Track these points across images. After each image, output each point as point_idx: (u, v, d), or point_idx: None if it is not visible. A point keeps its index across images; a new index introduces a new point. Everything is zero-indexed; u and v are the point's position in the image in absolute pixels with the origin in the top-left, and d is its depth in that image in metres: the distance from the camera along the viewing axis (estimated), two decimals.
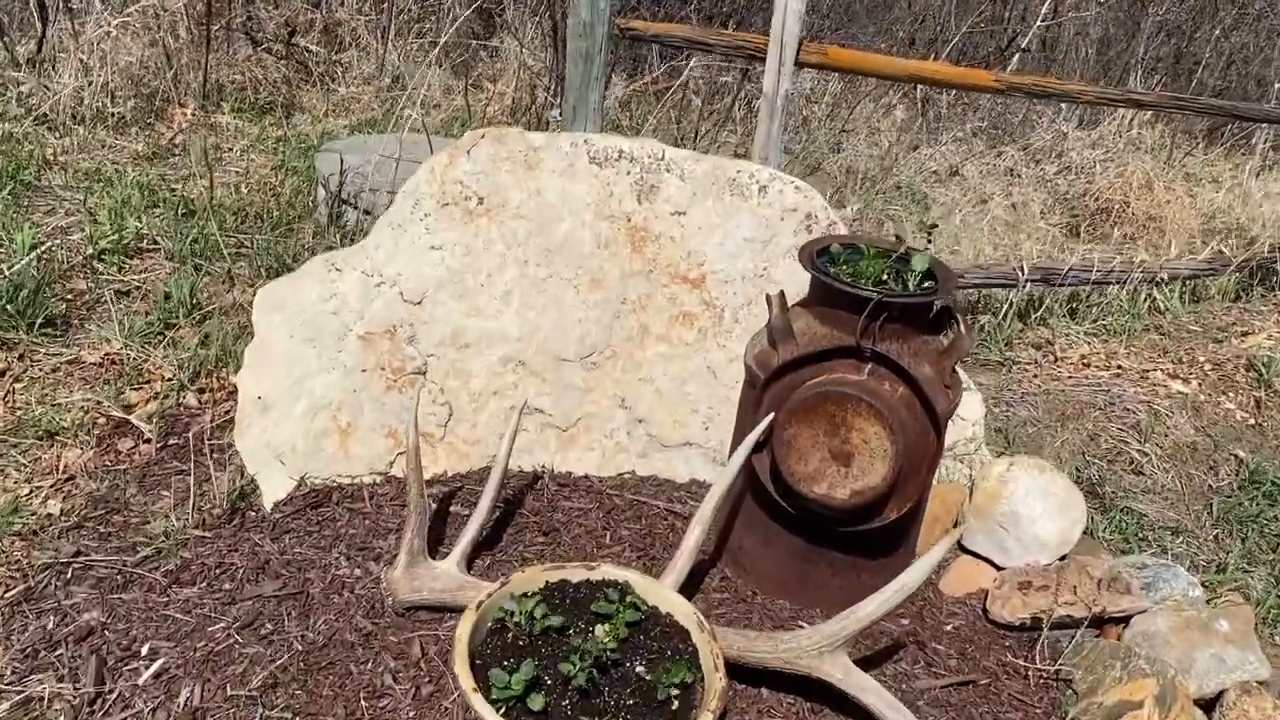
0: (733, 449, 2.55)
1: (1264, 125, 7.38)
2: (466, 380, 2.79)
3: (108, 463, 2.73)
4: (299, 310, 2.68)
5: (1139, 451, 3.35)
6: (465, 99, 5.25)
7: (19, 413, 2.86)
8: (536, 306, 2.82)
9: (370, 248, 2.76)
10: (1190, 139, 7.80)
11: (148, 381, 3.03)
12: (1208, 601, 2.58)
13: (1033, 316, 4.25)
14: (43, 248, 3.53)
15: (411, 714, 2.00)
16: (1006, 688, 2.28)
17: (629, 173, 2.86)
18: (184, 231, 3.83)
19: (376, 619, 2.24)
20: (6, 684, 2.03)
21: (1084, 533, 2.68)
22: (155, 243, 3.85)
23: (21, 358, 3.09)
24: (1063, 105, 7.02)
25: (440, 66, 6.22)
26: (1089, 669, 2.27)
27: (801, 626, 2.38)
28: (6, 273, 3.33)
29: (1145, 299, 4.48)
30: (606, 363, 2.87)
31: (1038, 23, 7.36)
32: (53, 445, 2.76)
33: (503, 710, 1.81)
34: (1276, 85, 8.41)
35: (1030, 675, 2.32)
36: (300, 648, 2.15)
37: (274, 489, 2.61)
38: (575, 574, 2.14)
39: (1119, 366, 3.89)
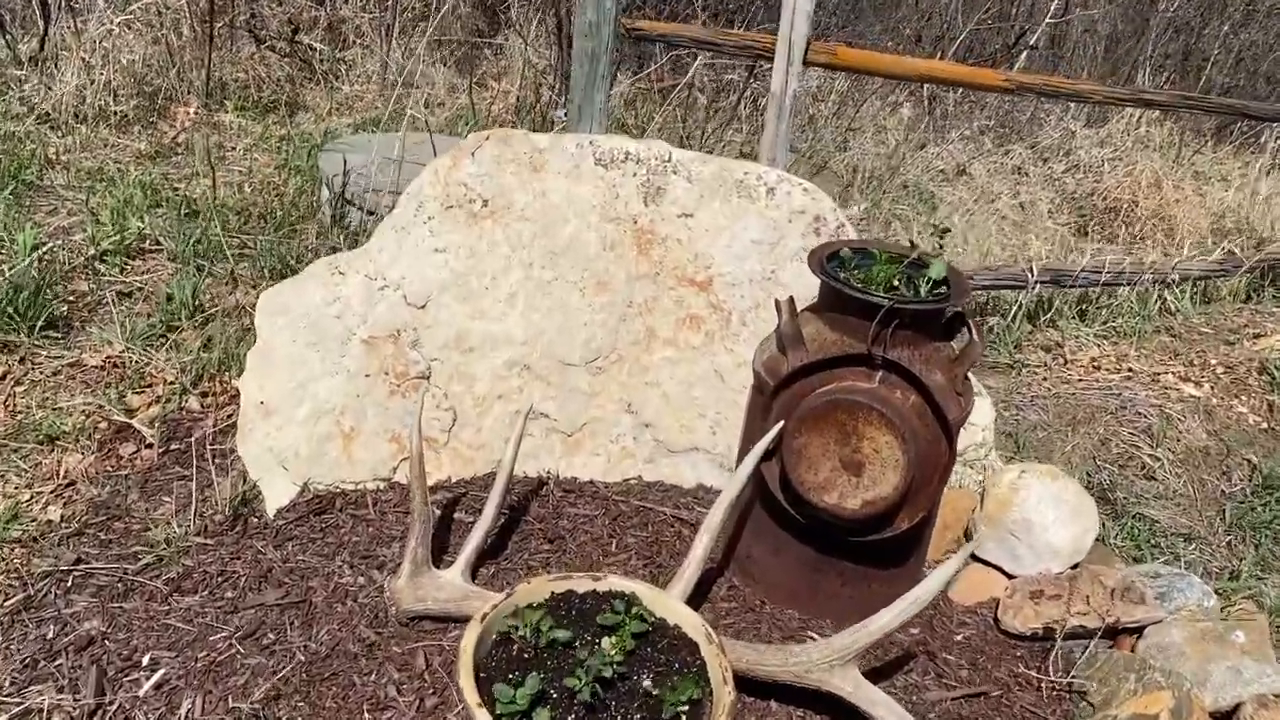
0: (740, 456, 2.52)
1: (1274, 124, 7.33)
2: (471, 384, 2.76)
3: (109, 468, 2.70)
4: (302, 314, 2.65)
5: (1150, 456, 3.31)
6: (470, 97, 5.22)
7: (19, 417, 2.83)
8: (541, 309, 2.79)
9: (374, 250, 2.72)
10: (1199, 137, 7.75)
11: (149, 385, 3.00)
12: (1222, 610, 2.54)
13: (1042, 318, 4.21)
14: (44, 248, 3.50)
15: None
16: (1019, 700, 2.25)
17: (635, 174, 2.83)
18: (187, 232, 3.80)
19: (380, 629, 2.21)
20: (6, 695, 2.00)
21: (1096, 540, 2.64)
22: (158, 243, 3.82)
23: (22, 360, 3.06)
24: (1071, 104, 6.97)
25: (444, 64, 6.19)
26: (1103, 681, 2.23)
27: (811, 636, 2.35)
28: (8, 274, 3.31)
29: (1156, 300, 4.43)
30: (612, 366, 2.84)
31: (1046, 20, 7.30)
32: (53, 450, 2.73)
33: None
34: None
35: (1043, 687, 2.29)
36: (303, 658, 2.12)
37: (276, 495, 2.58)
38: (581, 584, 2.11)
39: (1130, 369, 3.85)
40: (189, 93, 5.45)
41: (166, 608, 2.25)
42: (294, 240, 3.91)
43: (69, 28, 5.35)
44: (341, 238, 3.91)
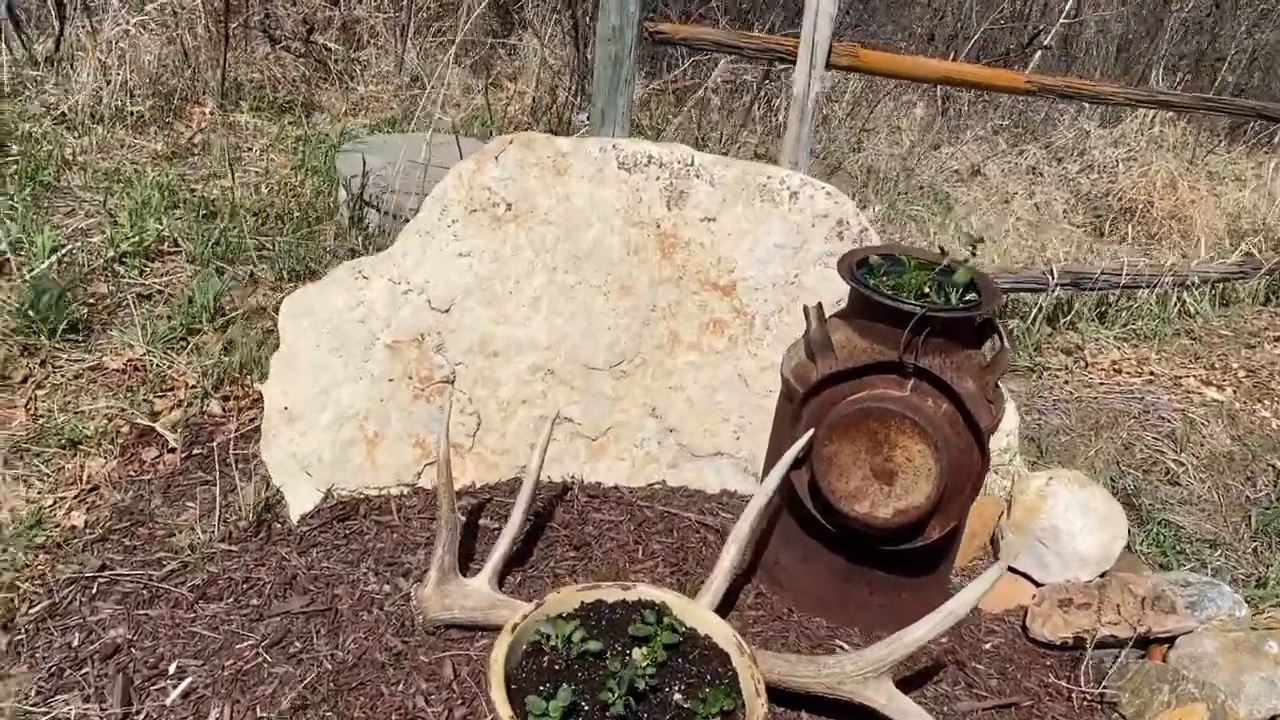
0: (768, 463, 2.50)
1: None
2: (495, 389, 2.74)
3: (132, 472, 2.69)
4: (326, 318, 2.64)
5: (1175, 461, 3.29)
6: (485, 98, 5.20)
7: (41, 420, 2.83)
8: (565, 314, 2.77)
9: (397, 255, 2.71)
10: (1213, 137, 7.71)
11: (171, 389, 3.00)
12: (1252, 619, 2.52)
13: (1062, 321, 4.19)
14: (63, 250, 3.50)
15: None
16: (1050, 710, 2.23)
17: (658, 178, 2.81)
18: (205, 233, 3.79)
19: (407, 638, 2.20)
20: (33, 705, 2.00)
21: (1123, 547, 2.62)
22: (176, 245, 3.81)
23: (43, 363, 3.06)
24: (1085, 104, 6.94)
25: (459, 64, 6.17)
26: (1135, 692, 2.21)
27: (839, 645, 2.34)
28: (28, 276, 3.30)
29: (1175, 303, 4.40)
30: (636, 371, 2.82)
31: (1060, 20, 7.26)
32: (76, 454, 2.72)
33: None
34: None
35: (1074, 698, 2.27)
36: (330, 667, 2.11)
37: (300, 501, 2.57)
38: (611, 594, 2.09)
39: (1151, 373, 3.83)
40: (204, 93, 5.44)
41: (192, 615, 2.25)
42: (312, 242, 3.90)
43: (84, 28, 5.34)
44: (360, 239, 3.90)
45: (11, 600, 2.24)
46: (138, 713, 2.00)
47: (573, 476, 2.79)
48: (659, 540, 2.59)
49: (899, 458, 2.09)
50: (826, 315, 2.30)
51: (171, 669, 2.11)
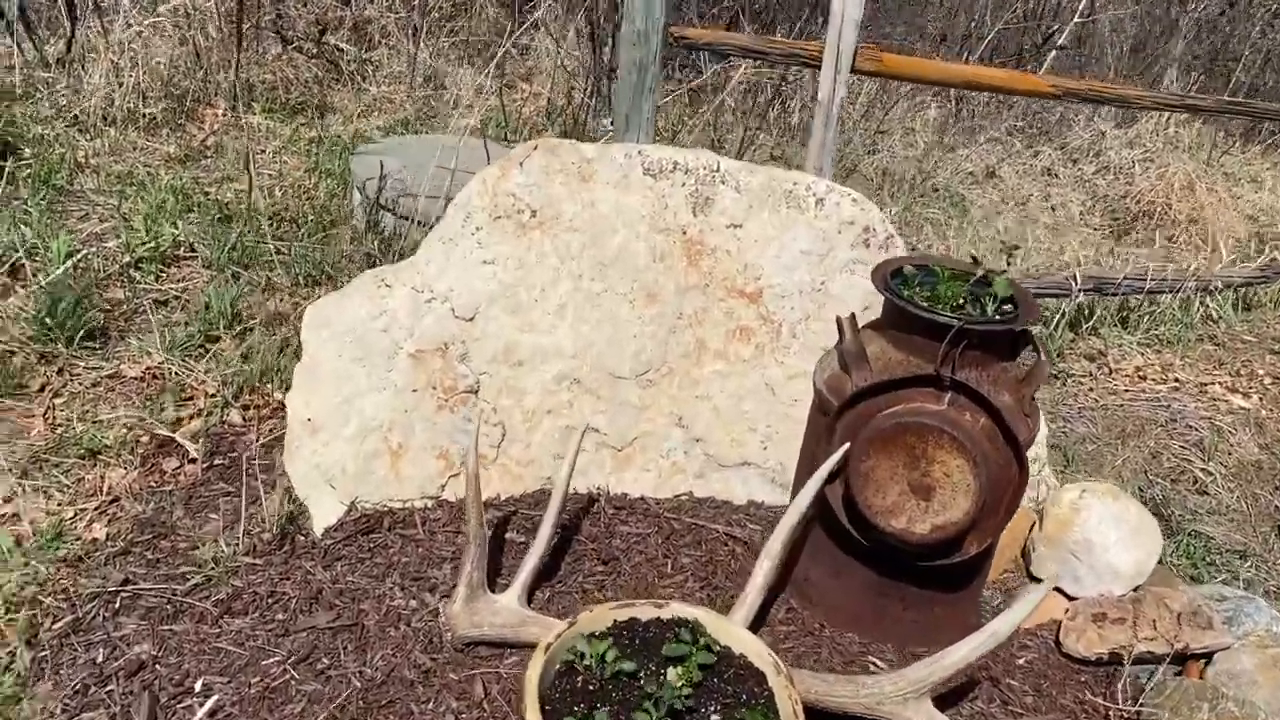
0: (798, 475, 2.47)
1: None
2: (520, 398, 2.71)
3: (152, 483, 2.66)
4: (348, 328, 2.61)
5: (1203, 470, 3.25)
6: (500, 100, 5.16)
7: (60, 430, 2.80)
8: (591, 321, 2.74)
9: (420, 263, 2.68)
10: (1228, 137, 7.66)
11: (190, 397, 2.97)
12: None
13: (1084, 327, 4.15)
14: (78, 256, 3.46)
15: None
16: None
17: (684, 184, 2.78)
18: (221, 238, 3.76)
19: (435, 655, 2.17)
20: None
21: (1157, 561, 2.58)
22: (192, 250, 3.78)
23: (60, 372, 3.03)
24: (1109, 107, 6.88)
25: (470, 65, 6.14)
26: (1175, 710, 2.18)
27: (872, 661, 2.30)
28: (43, 283, 3.27)
29: (1198, 308, 4.36)
30: (662, 380, 2.79)
31: (1074, 20, 7.21)
32: (95, 465, 2.69)
33: None
34: None
35: (1111, 715, 2.23)
36: (359, 684, 2.08)
37: (324, 513, 2.54)
38: (644, 612, 2.06)
39: (1176, 379, 3.79)
40: (216, 94, 5.41)
41: (217, 630, 2.21)
42: (328, 246, 3.87)
43: (95, 29, 5.31)
44: (376, 243, 3.86)
45: (35, 615, 2.21)
46: None
47: (598, 488, 2.76)
48: (687, 553, 2.56)
49: (937, 473, 2.06)
50: (860, 326, 2.26)
51: (197, 686, 2.08)
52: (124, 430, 2.80)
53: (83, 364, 3.06)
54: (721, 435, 2.81)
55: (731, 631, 2.06)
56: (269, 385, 3.01)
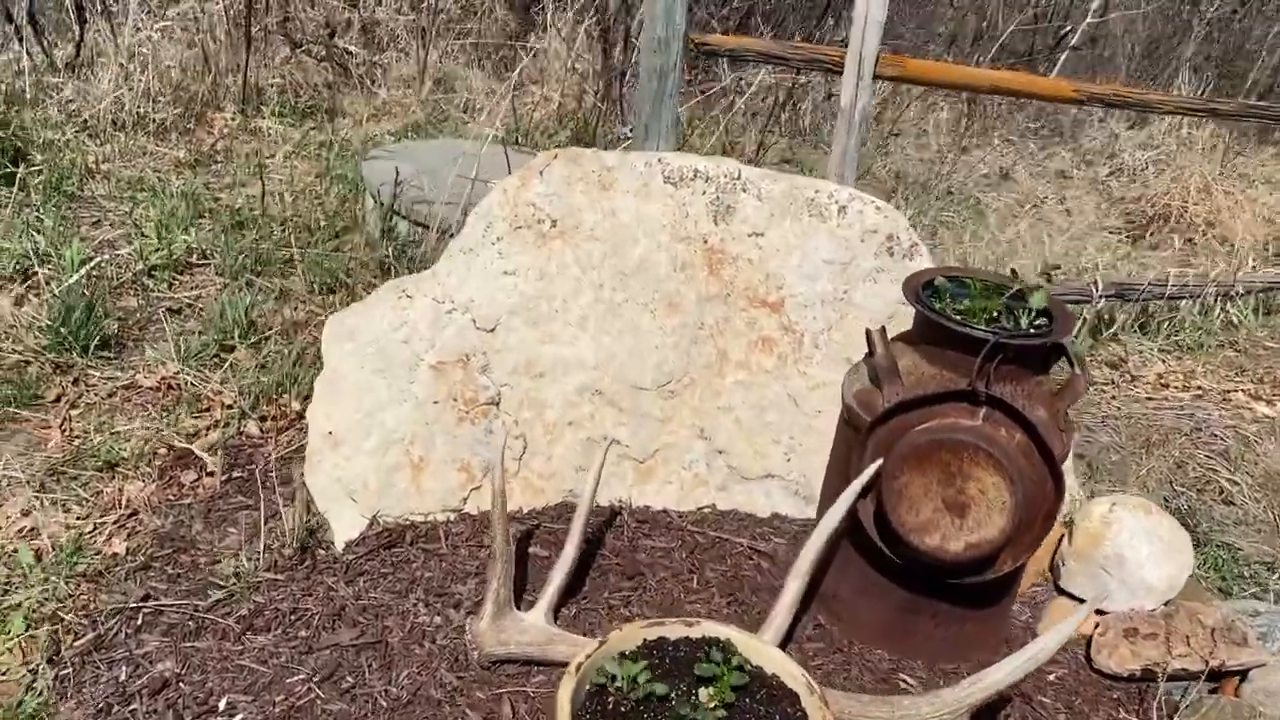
0: (825, 491, 2.44)
1: None
2: (541, 411, 2.68)
3: (171, 496, 2.63)
4: (369, 340, 2.58)
5: (1229, 480, 3.21)
6: (512, 104, 5.13)
7: (77, 442, 2.77)
8: (612, 332, 2.71)
9: (441, 273, 2.65)
10: (1241, 138, 7.60)
11: (207, 408, 2.94)
12: None
13: (1104, 333, 4.11)
14: (91, 263, 3.44)
15: None
16: None
17: (704, 193, 2.75)
18: (234, 245, 3.73)
19: (461, 673, 2.14)
20: None
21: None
22: (205, 257, 3.76)
23: (76, 382, 3.00)
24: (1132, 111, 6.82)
25: (480, 68, 6.11)
26: None
27: (902, 678, 2.27)
28: (57, 291, 3.24)
29: (1219, 313, 4.32)
30: (684, 391, 2.76)
31: (1086, 20, 7.17)
32: (113, 477, 2.67)
33: None
34: None
35: None
36: (385, 704, 2.05)
37: (345, 527, 2.51)
38: (674, 631, 2.03)
39: (1199, 387, 3.75)
40: (225, 98, 5.38)
41: (240, 647, 2.19)
42: (341, 253, 3.84)
43: (104, 33, 5.29)
44: (390, 250, 3.84)
45: (56, 632, 2.18)
46: None
47: (621, 500, 2.73)
48: (712, 568, 2.52)
49: (972, 490, 2.03)
50: (890, 338, 2.23)
51: (222, 705, 2.05)
52: (141, 442, 2.77)
53: (98, 374, 3.04)
54: (744, 447, 2.78)
55: (763, 651, 2.03)
56: (286, 396, 2.98)
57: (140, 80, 4.99)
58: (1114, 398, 3.64)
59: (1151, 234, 5.57)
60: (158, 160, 4.68)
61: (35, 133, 4.55)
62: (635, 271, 2.72)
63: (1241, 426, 3.48)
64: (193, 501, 2.62)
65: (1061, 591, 2.59)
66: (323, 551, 2.47)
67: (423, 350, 2.60)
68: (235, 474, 2.72)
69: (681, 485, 2.77)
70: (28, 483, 2.57)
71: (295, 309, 3.47)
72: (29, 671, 2.07)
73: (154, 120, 4.95)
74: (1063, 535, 2.63)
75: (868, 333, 2.20)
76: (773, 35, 6.03)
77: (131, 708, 2.02)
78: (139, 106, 4.94)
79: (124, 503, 2.58)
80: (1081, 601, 2.55)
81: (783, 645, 2.17)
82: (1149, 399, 3.65)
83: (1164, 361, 3.97)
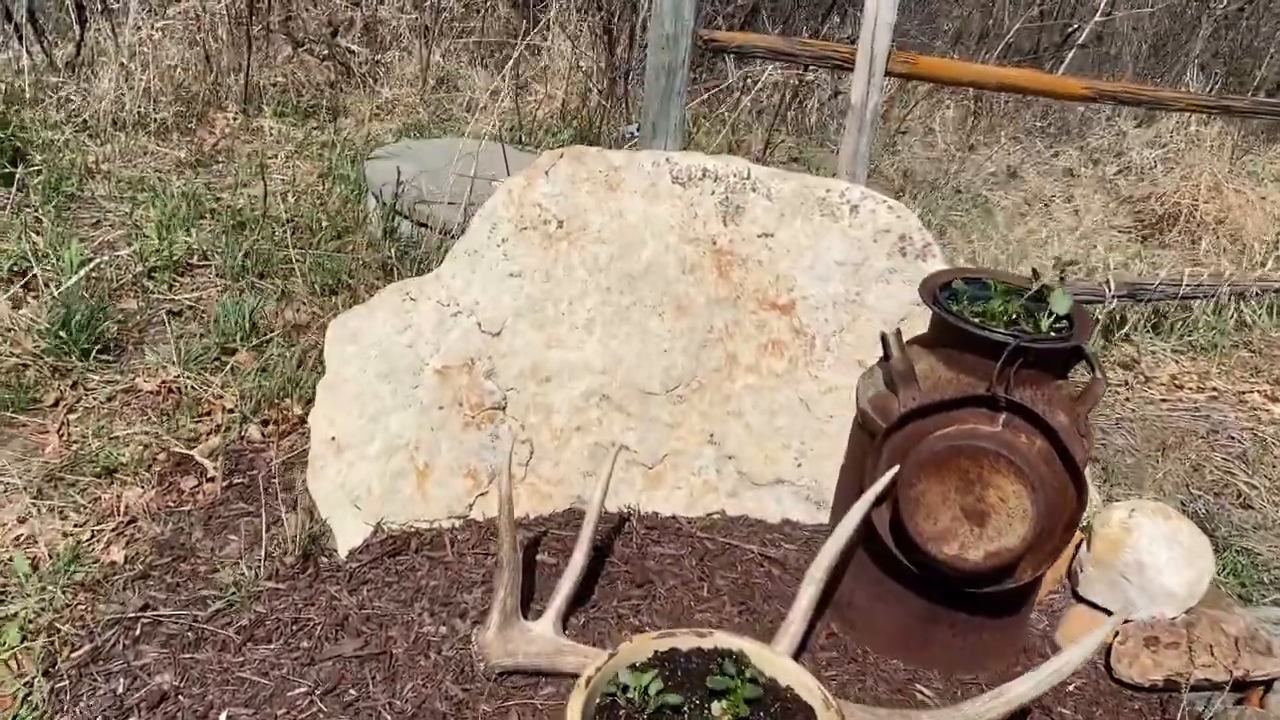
0: (838, 498, 2.38)
1: None
2: (548, 415, 2.63)
3: (170, 503, 2.58)
4: (373, 343, 2.53)
5: (1247, 484, 3.15)
6: (515, 102, 5.08)
7: (75, 447, 2.72)
8: (620, 336, 2.66)
9: (446, 275, 2.60)
10: (1250, 136, 7.54)
11: (208, 413, 2.89)
12: None
13: (1116, 334, 4.05)
14: (91, 265, 3.39)
15: None
16: None
17: (713, 192, 2.70)
18: (235, 246, 3.68)
19: (467, 685, 2.08)
20: None
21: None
22: (206, 258, 3.71)
23: (75, 386, 2.95)
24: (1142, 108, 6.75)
25: (483, 66, 6.06)
26: None
27: (919, 689, 2.22)
28: (56, 293, 3.20)
29: (1232, 313, 4.26)
30: (693, 395, 2.71)
31: (1095, 18, 7.11)
32: (112, 483, 2.62)
33: None
34: None
35: None
36: (389, 717, 2.00)
37: (348, 535, 2.46)
38: (686, 642, 1.98)
39: (1214, 388, 3.70)
40: (226, 98, 5.33)
41: (240, 659, 2.14)
42: (343, 254, 3.79)
43: (104, 32, 5.24)
44: (393, 251, 3.78)
45: (53, 643, 2.13)
46: None
47: (629, 507, 2.68)
48: (722, 575, 2.47)
49: (992, 498, 1.97)
50: (905, 342, 2.18)
51: (222, 718, 2.00)
52: (140, 447, 2.72)
53: (97, 377, 2.99)
54: (754, 452, 2.72)
55: (777, 662, 1.97)
56: (288, 400, 2.93)
57: (141, 79, 4.93)
58: (1128, 399, 3.58)
59: (1161, 232, 5.51)
60: (158, 160, 4.63)
61: (35, 132, 4.50)
62: (643, 274, 2.67)
63: (1259, 428, 3.42)
64: (193, 508, 2.57)
65: (1080, 599, 2.54)
66: (325, 560, 2.42)
67: (427, 354, 2.55)
68: (236, 480, 2.67)
69: (691, 491, 2.72)
70: (24, 489, 2.52)
71: (297, 311, 3.42)
72: (24, 685, 2.02)
73: (155, 120, 4.90)
74: (1080, 541, 2.57)
75: (883, 336, 2.15)
76: (780, 33, 5.97)
77: None
78: (139, 106, 4.89)
79: (123, 510, 2.53)
80: (1100, 609, 2.50)
81: (796, 653, 2.12)
82: (1163, 400, 3.60)
83: (1177, 362, 3.92)
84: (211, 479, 2.65)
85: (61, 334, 3.00)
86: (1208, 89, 7.52)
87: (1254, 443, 3.35)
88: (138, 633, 2.19)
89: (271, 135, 5.07)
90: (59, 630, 2.17)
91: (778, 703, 1.91)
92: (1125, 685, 2.32)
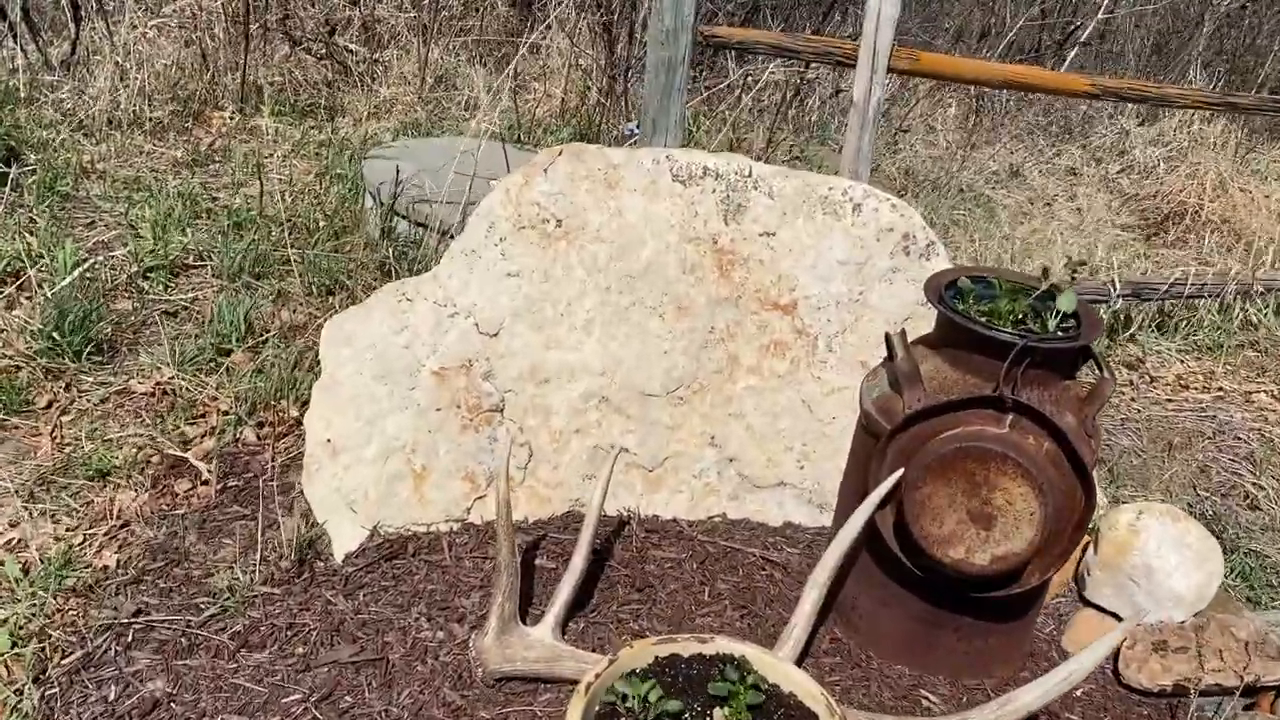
0: (841, 500, 2.35)
1: None
2: (546, 418, 2.59)
3: (164, 506, 2.55)
4: (369, 344, 2.49)
5: (1254, 485, 3.12)
6: (514, 101, 5.04)
7: (68, 449, 2.69)
8: (619, 337, 2.62)
9: (442, 275, 2.56)
10: (1254, 134, 7.51)
11: (202, 415, 2.85)
12: None
13: (1121, 334, 4.01)
14: (85, 265, 3.35)
15: None
16: None
17: (714, 191, 2.66)
18: (231, 246, 3.64)
19: (465, 691, 2.05)
20: None
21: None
22: (202, 258, 3.67)
23: (68, 387, 2.92)
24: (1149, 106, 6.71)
25: (481, 65, 6.02)
26: None
27: (924, 695, 2.18)
28: (49, 294, 3.16)
29: (1238, 313, 4.22)
30: (694, 397, 2.67)
31: (1098, 15, 7.08)
32: (105, 486, 2.58)
33: None
34: None
35: None
36: None
37: (344, 539, 2.42)
38: (687, 647, 1.94)
39: (1220, 388, 3.66)
40: (223, 97, 5.30)
41: (234, 665, 2.10)
42: (341, 254, 3.75)
43: (99, 31, 5.20)
44: (391, 251, 3.75)
45: (43, 650, 2.09)
46: None
47: (629, 510, 2.64)
48: (724, 579, 2.44)
49: (999, 500, 1.94)
50: (910, 342, 2.14)
51: None
52: (134, 450, 2.69)
53: (90, 379, 2.95)
54: (756, 454, 2.69)
55: (779, 668, 1.94)
56: (284, 401, 2.89)
57: (136, 78, 4.90)
58: (1133, 399, 3.54)
59: (1165, 231, 5.48)
60: (154, 160, 4.59)
61: (29, 131, 4.47)
62: (643, 273, 2.63)
63: (1266, 429, 3.38)
64: (187, 512, 2.54)
65: (1086, 603, 2.50)
66: (321, 564, 2.38)
67: (424, 355, 2.52)
68: (231, 483, 2.64)
69: (691, 494, 2.68)
70: (16, 492, 2.49)
71: (294, 311, 3.39)
72: (14, 692, 1.99)
73: (150, 119, 4.86)
74: (1087, 544, 2.54)
75: (887, 336, 2.11)
76: (781, 29, 5.94)
77: None
78: (135, 105, 4.85)
79: (115, 513, 2.50)
80: (1108, 613, 2.46)
81: (799, 661, 2.08)
82: (1169, 400, 3.56)
83: (1183, 362, 3.88)
84: (206, 482, 2.62)
85: (55, 335, 2.96)
86: (1211, 87, 7.48)
87: (1261, 443, 3.31)
88: (130, 639, 2.15)
89: (268, 134, 5.03)
90: (50, 636, 2.13)
91: (780, 709, 1.87)
92: (1134, 690, 2.29)
